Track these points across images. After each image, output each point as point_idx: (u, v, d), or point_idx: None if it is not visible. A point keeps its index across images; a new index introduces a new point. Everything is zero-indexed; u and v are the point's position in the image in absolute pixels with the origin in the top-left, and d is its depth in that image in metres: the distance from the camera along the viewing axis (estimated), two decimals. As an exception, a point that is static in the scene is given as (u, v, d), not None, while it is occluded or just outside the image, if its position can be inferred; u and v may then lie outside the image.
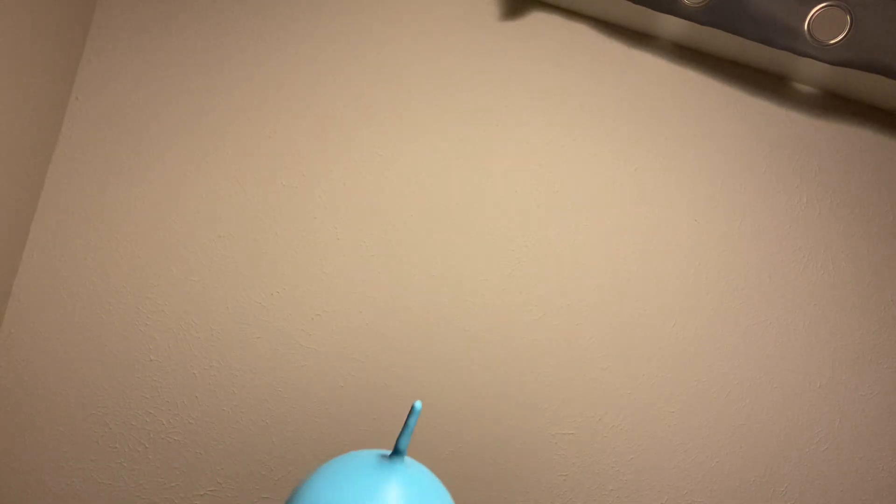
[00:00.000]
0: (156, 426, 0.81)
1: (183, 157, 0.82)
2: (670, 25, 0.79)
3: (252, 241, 0.81)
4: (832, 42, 0.72)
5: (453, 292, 0.82)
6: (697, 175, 0.82)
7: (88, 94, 0.81)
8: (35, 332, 0.80)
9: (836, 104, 0.82)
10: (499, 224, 0.82)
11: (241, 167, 0.82)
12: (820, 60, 0.73)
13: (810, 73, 0.79)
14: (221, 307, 0.81)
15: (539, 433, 0.81)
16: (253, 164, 0.82)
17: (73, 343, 0.80)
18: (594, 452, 0.81)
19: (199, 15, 0.82)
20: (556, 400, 0.81)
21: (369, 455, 0.64)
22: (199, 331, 0.81)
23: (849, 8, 0.71)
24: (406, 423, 0.61)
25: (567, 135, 0.82)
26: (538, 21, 0.83)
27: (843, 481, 0.81)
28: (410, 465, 0.63)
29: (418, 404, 0.61)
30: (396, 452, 0.62)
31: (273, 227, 0.81)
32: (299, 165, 0.82)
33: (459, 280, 0.82)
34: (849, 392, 0.81)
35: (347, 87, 0.82)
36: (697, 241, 0.82)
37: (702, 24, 0.74)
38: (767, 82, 0.82)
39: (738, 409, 0.81)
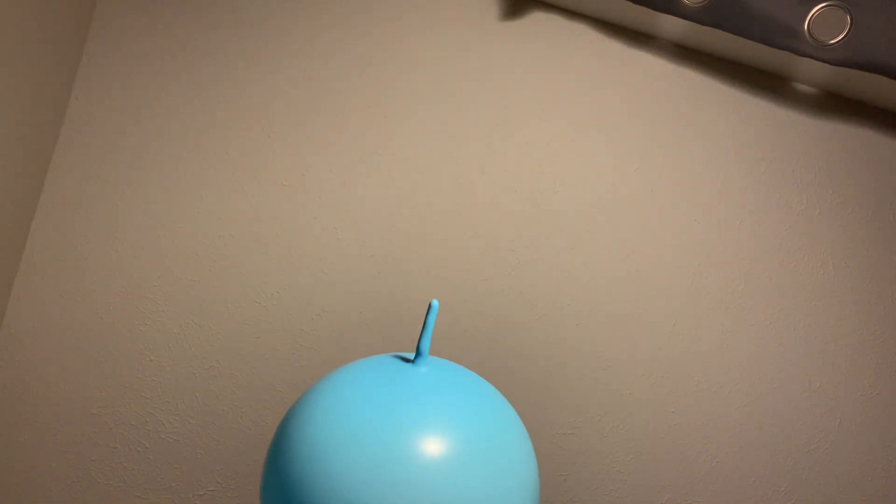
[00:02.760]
0: (156, 426, 0.81)
1: (183, 156, 0.82)
2: (670, 25, 0.79)
3: (252, 241, 0.81)
4: (832, 42, 0.72)
5: (453, 292, 0.82)
6: (697, 175, 0.82)
7: (88, 94, 0.81)
8: (35, 332, 0.80)
9: (836, 104, 0.82)
10: (498, 224, 0.82)
11: (242, 167, 0.82)
12: (820, 60, 0.73)
13: (810, 73, 0.79)
14: (221, 307, 0.81)
15: (539, 433, 0.81)
16: (253, 164, 0.82)
17: (73, 343, 0.80)
18: (594, 452, 0.81)
19: (199, 15, 0.82)
20: (556, 400, 0.81)
21: (386, 358, 0.60)
22: (199, 331, 0.81)
23: (849, 8, 0.71)
24: (425, 322, 0.58)
25: (567, 135, 0.82)
26: (538, 21, 0.83)
27: (843, 481, 0.81)
28: (438, 365, 0.59)
29: (435, 302, 0.58)
30: (418, 354, 0.58)
31: (273, 227, 0.81)
32: (299, 165, 0.82)
33: (459, 280, 0.82)
34: (849, 392, 0.81)
35: (347, 88, 0.82)
36: (697, 241, 0.82)
37: (702, 24, 0.74)
38: (767, 82, 0.82)
39: (738, 409, 0.81)
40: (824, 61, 0.72)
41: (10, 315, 0.80)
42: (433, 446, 0.50)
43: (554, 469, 0.81)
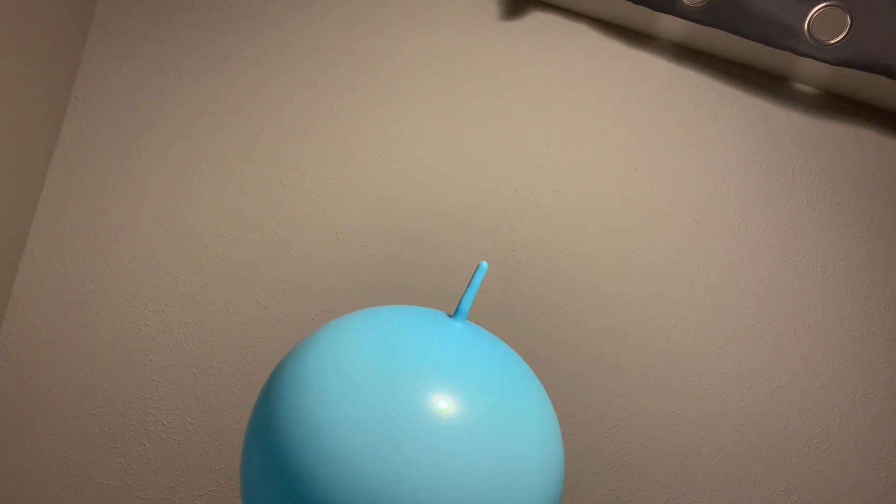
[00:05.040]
0: (156, 426, 0.81)
1: (183, 156, 0.82)
2: (670, 25, 0.79)
3: (252, 241, 0.81)
4: (832, 42, 0.72)
5: (453, 294, 0.82)
6: (697, 175, 0.82)
7: (88, 94, 0.81)
8: (35, 332, 0.80)
9: (836, 104, 0.82)
10: (498, 224, 0.82)
11: (241, 167, 0.82)
12: (820, 60, 0.73)
13: (810, 73, 0.79)
14: (221, 307, 0.81)
15: (539, 433, 0.81)
16: (253, 163, 0.82)
17: (73, 343, 0.80)
18: (594, 452, 0.81)
19: (200, 16, 0.82)
20: (556, 400, 0.81)
21: (422, 308, 0.54)
22: (199, 331, 0.81)
23: (849, 8, 0.71)
24: (471, 281, 0.54)
25: (567, 135, 0.82)
26: (538, 21, 0.82)
27: (843, 481, 0.81)
28: (475, 328, 0.54)
29: (484, 264, 0.54)
30: (458, 313, 0.54)
31: (273, 227, 0.81)
32: (299, 165, 0.82)
33: (459, 281, 0.82)
34: (849, 392, 0.81)
35: (348, 88, 0.82)
36: (697, 241, 0.82)
37: (702, 24, 0.74)
38: (767, 82, 0.82)
39: (738, 409, 0.81)
40: (824, 61, 0.72)
41: (10, 315, 0.80)
42: (458, 401, 0.43)
43: (554, 469, 0.81)
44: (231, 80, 0.82)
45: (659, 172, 0.82)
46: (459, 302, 0.55)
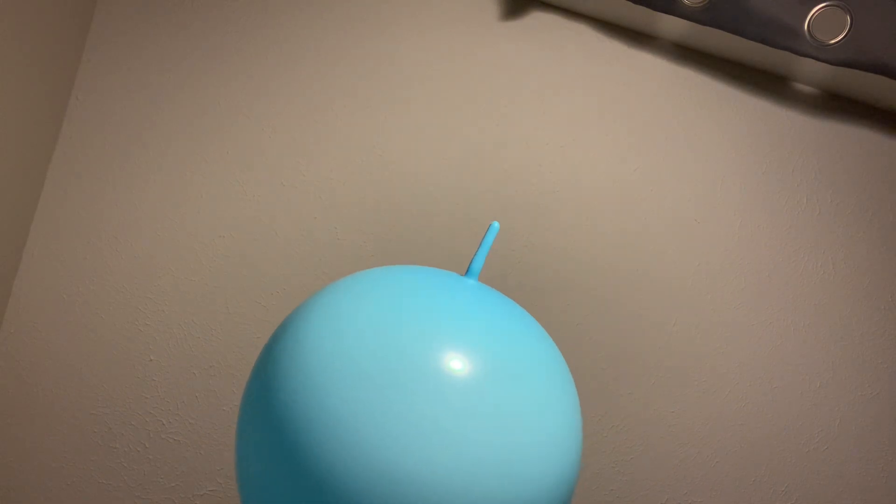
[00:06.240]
0: (156, 426, 0.81)
1: (183, 156, 0.82)
2: (670, 25, 0.79)
3: (252, 241, 0.81)
4: (832, 42, 0.72)
5: (453, 292, 0.82)
6: (697, 175, 0.82)
7: (88, 94, 0.81)
8: (35, 332, 0.80)
9: (836, 104, 0.82)
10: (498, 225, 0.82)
11: (241, 167, 0.82)
12: (820, 60, 0.73)
13: (810, 73, 0.79)
14: (221, 307, 0.81)
15: (539, 433, 0.81)
16: (253, 163, 0.82)
17: (73, 343, 0.80)
18: (594, 452, 0.81)
19: (198, 14, 0.82)
20: (556, 400, 0.81)
21: (433, 268, 0.53)
22: (199, 331, 0.81)
23: (849, 8, 0.71)
24: (482, 242, 0.53)
25: (566, 135, 0.82)
26: (538, 21, 0.82)
27: (843, 481, 0.81)
28: (486, 287, 0.53)
29: (496, 224, 0.54)
30: (470, 272, 0.53)
31: (273, 227, 0.81)
32: (299, 165, 0.82)
33: (459, 280, 0.82)
34: (849, 392, 0.81)
35: (348, 88, 0.82)
36: (697, 241, 0.82)
37: (702, 24, 0.74)
38: (767, 82, 0.82)
39: (738, 409, 0.81)
40: (824, 61, 0.72)
41: (10, 315, 0.80)
42: (469, 359, 0.41)
43: (554, 469, 0.81)
44: (231, 80, 0.82)
45: (659, 172, 0.82)
46: (471, 261, 0.55)
